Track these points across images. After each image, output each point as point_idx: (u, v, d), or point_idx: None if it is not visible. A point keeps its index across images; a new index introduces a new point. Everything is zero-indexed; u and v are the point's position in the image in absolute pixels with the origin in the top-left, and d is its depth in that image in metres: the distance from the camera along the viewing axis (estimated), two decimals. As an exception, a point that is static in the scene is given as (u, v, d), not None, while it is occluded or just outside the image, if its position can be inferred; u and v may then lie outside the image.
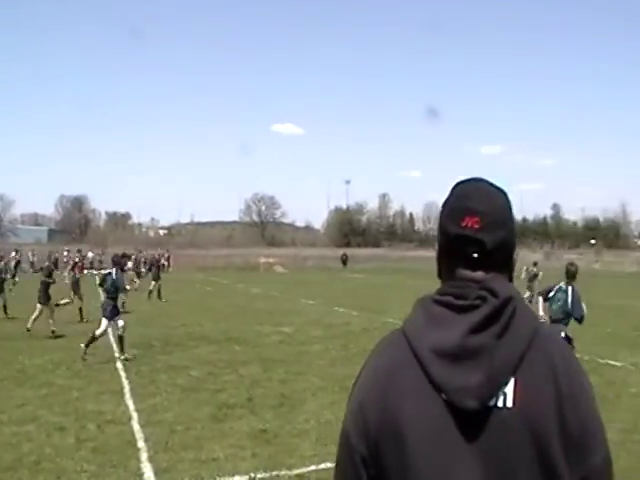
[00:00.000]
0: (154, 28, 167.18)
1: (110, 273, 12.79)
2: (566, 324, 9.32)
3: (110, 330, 12.51)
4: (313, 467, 6.28)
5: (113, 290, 12.45)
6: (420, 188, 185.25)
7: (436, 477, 1.37)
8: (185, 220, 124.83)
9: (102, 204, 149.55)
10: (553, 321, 9.22)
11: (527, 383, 1.37)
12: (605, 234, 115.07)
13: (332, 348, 13.70)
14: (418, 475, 1.37)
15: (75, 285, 19.21)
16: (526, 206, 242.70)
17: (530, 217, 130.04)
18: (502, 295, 1.40)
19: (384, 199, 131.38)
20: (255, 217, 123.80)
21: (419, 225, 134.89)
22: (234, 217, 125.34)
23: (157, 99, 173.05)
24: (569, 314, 9.27)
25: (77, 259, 22.03)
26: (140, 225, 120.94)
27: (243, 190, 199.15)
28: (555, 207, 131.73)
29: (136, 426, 7.73)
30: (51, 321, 15.24)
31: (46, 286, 15.97)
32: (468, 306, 1.41)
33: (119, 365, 11.61)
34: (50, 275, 16.42)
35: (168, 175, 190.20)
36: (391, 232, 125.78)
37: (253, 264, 56.81)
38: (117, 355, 12.33)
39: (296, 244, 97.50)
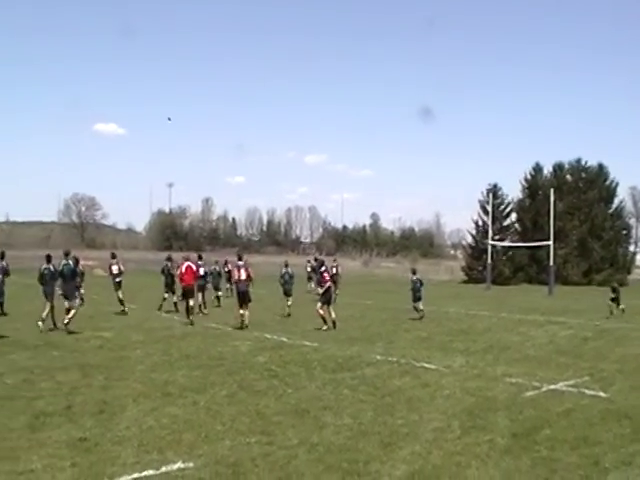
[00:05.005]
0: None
1: None
2: None
3: None
4: (136, 475, 6.03)
5: None
6: (243, 193, 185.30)
7: None
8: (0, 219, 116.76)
9: None
10: None
11: None
12: (420, 243, 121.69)
13: (153, 353, 13.38)
14: None
15: None
16: (347, 214, 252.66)
17: (350, 225, 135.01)
18: None
19: (207, 203, 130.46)
20: (75, 218, 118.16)
21: (241, 230, 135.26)
22: (53, 217, 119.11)
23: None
24: None
25: None
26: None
27: (63, 190, 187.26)
28: (374, 216, 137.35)
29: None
30: None
31: None
32: None
33: None
34: None
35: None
36: (214, 237, 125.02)
37: (72, 266, 53.91)
38: None
39: (117, 247, 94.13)
